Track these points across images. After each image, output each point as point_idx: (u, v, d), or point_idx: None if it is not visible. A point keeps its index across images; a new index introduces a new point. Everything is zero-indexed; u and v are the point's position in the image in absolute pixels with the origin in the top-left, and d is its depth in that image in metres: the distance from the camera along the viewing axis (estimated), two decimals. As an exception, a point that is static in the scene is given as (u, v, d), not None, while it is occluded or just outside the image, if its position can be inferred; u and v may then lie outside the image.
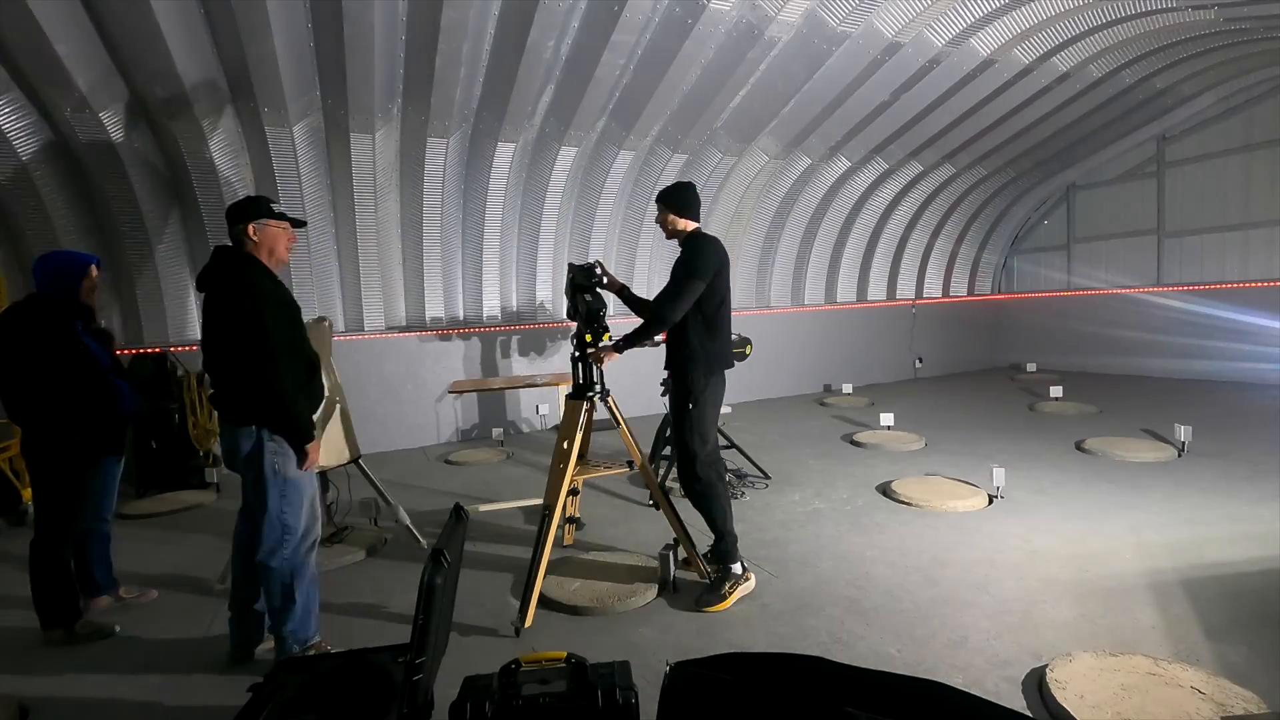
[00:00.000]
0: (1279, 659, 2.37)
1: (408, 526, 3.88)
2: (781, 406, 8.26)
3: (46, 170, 5.27)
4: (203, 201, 5.67)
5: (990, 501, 4.19)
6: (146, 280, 5.86)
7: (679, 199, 3.19)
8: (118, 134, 5.20)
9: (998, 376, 9.91)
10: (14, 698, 2.43)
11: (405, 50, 5.35)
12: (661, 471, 4.63)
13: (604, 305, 3.33)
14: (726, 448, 5.14)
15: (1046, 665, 2.34)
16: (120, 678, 2.61)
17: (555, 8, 5.03)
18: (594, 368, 3.25)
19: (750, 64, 5.98)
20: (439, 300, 6.90)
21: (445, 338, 6.93)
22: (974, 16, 5.92)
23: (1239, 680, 2.22)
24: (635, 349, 3.16)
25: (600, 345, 3.20)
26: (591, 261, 3.53)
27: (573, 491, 3.80)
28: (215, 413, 3.13)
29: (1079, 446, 5.43)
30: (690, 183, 3.33)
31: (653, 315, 3.07)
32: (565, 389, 3.97)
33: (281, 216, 2.60)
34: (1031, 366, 10.01)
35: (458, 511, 1.97)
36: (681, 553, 3.23)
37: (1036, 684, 2.28)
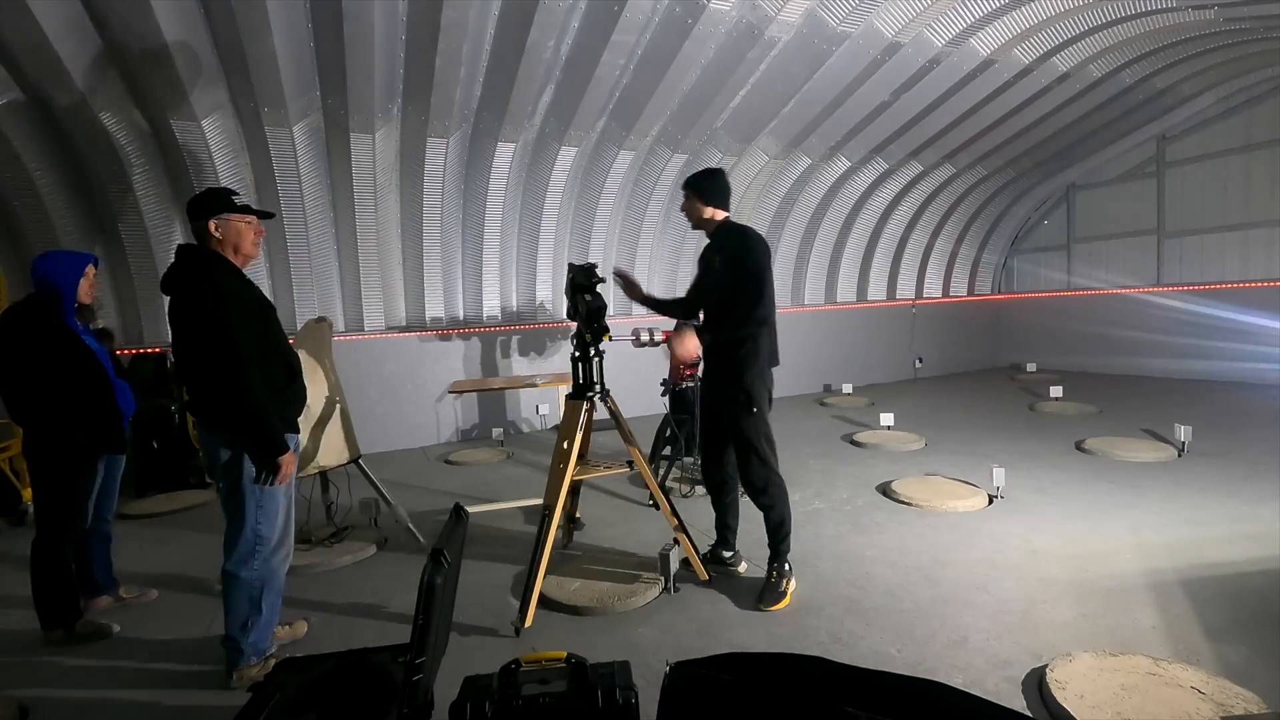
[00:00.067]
0: (1279, 659, 2.37)
1: (408, 526, 3.88)
2: (781, 406, 8.21)
3: (46, 170, 5.27)
4: (203, 201, 5.67)
5: (990, 501, 4.19)
6: (146, 280, 5.86)
7: (709, 186, 3.07)
8: (118, 134, 5.20)
9: (998, 376, 9.91)
10: (14, 698, 2.43)
11: (405, 50, 5.34)
12: (661, 471, 4.63)
13: (604, 305, 3.32)
14: (726, 448, 5.15)
15: (1046, 665, 2.34)
16: (120, 678, 2.61)
17: (555, 8, 5.03)
18: (595, 367, 3.25)
19: (750, 64, 5.98)
20: (439, 300, 6.90)
21: (445, 338, 6.93)
22: (974, 16, 5.92)
23: (1239, 680, 2.22)
24: (641, 349, 3.11)
25: (679, 326, 2.96)
26: (615, 269, 3.48)
27: (573, 491, 3.79)
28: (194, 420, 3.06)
29: (1079, 446, 5.43)
30: (720, 169, 3.23)
31: (747, 320, 2.87)
32: (565, 389, 3.97)
33: (245, 209, 2.45)
34: (1031, 366, 10.00)
35: (458, 511, 1.97)
36: (682, 553, 3.23)
37: (1036, 684, 2.28)
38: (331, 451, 3.66)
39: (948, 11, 5.88)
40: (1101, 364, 9.64)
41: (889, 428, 6.19)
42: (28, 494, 4.58)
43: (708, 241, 3.19)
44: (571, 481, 3.13)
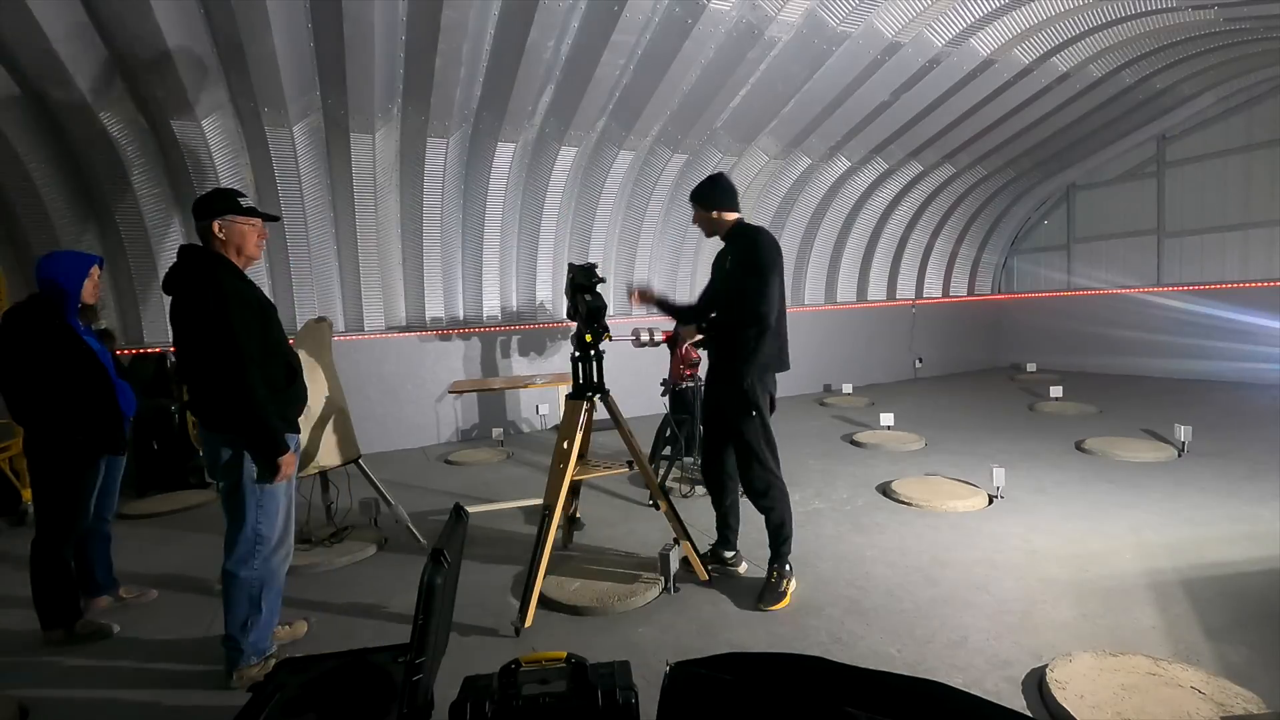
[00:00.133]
0: (1279, 659, 2.37)
1: (408, 526, 3.88)
2: (781, 406, 8.17)
3: (47, 170, 5.27)
4: (203, 201, 5.67)
5: (990, 501, 4.19)
6: (146, 280, 5.86)
7: (711, 193, 3.03)
8: (118, 134, 5.20)
9: (998, 376, 9.91)
10: (14, 698, 2.43)
11: (405, 50, 5.34)
12: (661, 471, 4.63)
13: (604, 305, 3.32)
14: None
15: (1046, 665, 2.34)
16: (120, 678, 2.61)
17: (555, 8, 5.03)
18: (595, 367, 3.25)
19: (750, 64, 5.98)
20: (439, 300, 6.90)
21: (445, 338, 6.93)
22: (974, 16, 5.92)
23: (1239, 680, 2.22)
24: (639, 349, 3.11)
25: (681, 329, 3.05)
26: (633, 282, 3.47)
27: (573, 491, 3.79)
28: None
29: (1079, 446, 5.43)
30: (720, 174, 3.17)
31: (747, 319, 2.87)
32: (565, 389, 3.97)
33: (250, 211, 2.46)
34: (1031, 366, 10.01)
35: (458, 511, 1.97)
36: (682, 553, 3.23)
37: (1036, 684, 2.28)
38: (331, 451, 3.66)
39: (948, 11, 5.88)
40: (1101, 364, 9.64)
41: (889, 428, 6.19)
42: (28, 494, 4.58)
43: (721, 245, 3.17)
44: (571, 481, 3.13)
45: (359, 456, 3.85)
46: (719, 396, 3.09)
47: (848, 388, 8.87)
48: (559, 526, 3.23)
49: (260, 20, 4.67)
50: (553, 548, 2.98)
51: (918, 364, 10.12)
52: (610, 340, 3.27)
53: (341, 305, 6.59)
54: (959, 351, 10.56)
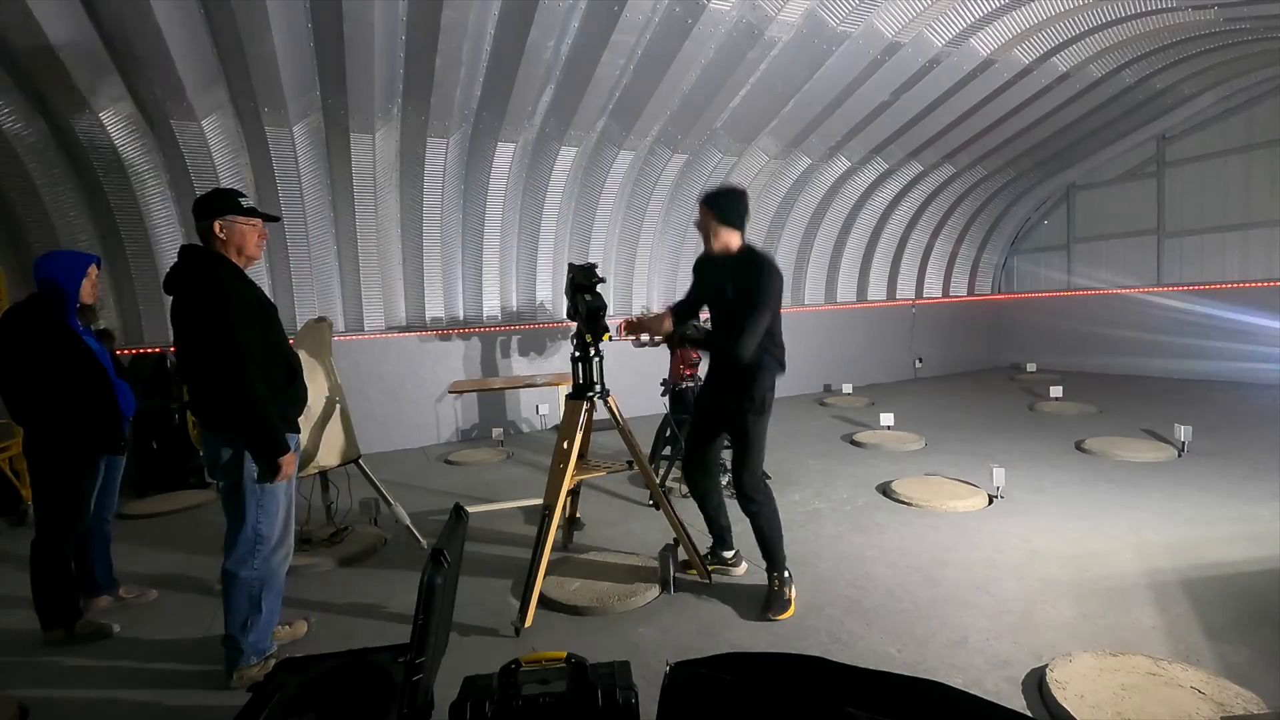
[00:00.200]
0: (1279, 659, 2.37)
1: (408, 526, 3.88)
2: (781, 406, 8.19)
3: (46, 170, 5.27)
4: (203, 201, 5.68)
5: (990, 501, 4.19)
6: (147, 280, 5.86)
7: (727, 207, 2.91)
8: (118, 134, 5.20)
9: (998, 376, 9.91)
10: (14, 698, 2.43)
11: (405, 50, 5.35)
12: (661, 471, 4.63)
13: (604, 305, 3.32)
14: (726, 447, 5.14)
15: (1046, 665, 2.34)
16: (120, 678, 2.61)
17: (555, 8, 5.03)
18: (595, 367, 3.25)
19: (750, 64, 5.98)
20: (439, 300, 6.90)
21: (445, 338, 6.93)
22: (974, 16, 5.92)
23: (1239, 680, 2.22)
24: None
25: (667, 326, 3.00)
26: (645, 310, 3.39)
27: (573, 491, 3.79)
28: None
29: (1079, 446, 5.43)
30: (742, 191, 3.04)
31: (727, 348, 2.86)
32: (565, 389, 3.96)
33: (251, 211, 2.47)
34: (1031, 366, 10.00)
35: (458, 511, 1.97)
36: (682, 553, 3.23)
37: (1036, 684, 2.28)
38: (331, 451, 3.67)
39: (948, 11, 5.88)
40: (1101, 364, 9.63)
41: (889, 428, 6.19)
42: (28, 494, 4.58)
43: (706, 252, 3.05)
44: (572, 482, 3.13)
45: (359, 456, 3.85)
46: (722, 400, 3.02)
47: (848, 388, 8.87)
48: (559, 526, 3.23)
49: (260, 20, 4.67)
50: (553, 548, 2.98)
51: (918, 364, 10.12)
52: (610, 340, 3.27)
53: (341, 305, 6.59)
54: (959, 351, 10.56)
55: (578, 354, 3.26)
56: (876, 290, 9.77)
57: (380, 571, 3.56)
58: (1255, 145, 8.18)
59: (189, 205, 6.14)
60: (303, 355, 3.47)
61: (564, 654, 1.78)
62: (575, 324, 3.32)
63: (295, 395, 2.57)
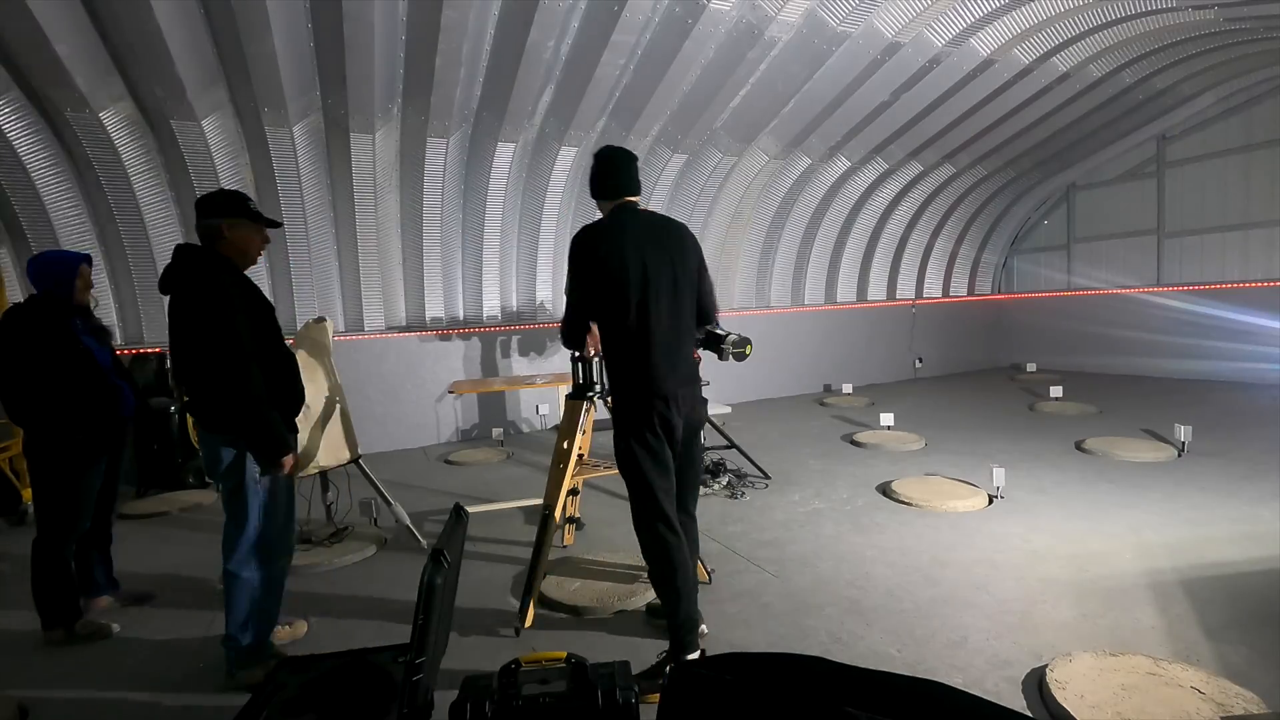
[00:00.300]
0: (1279, 659, 2.37)
1: (408, 526, 3.88)
2: (781, 406, 8.26)
3: (46, 170, 5.27)
4: (203, 201, 5.68)
5: (990, 501, 4.19)
6: (145, 280, 5.86)
7: (592, 180, 2.48)
8: (118, 134, 5.20)
9: (998, 376, 9.91)
10: (14, 698, 2.43)
11: (405, 50, 5.34)
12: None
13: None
14: (727, 447, 5.15)
15: (1046, 665, 2.34)
16: (120, 678, 2.60)
17: (555, 8, 5.03)
18: (595, 367, 3.24)
19: (750, 64, 5.98)
20: (439, 300, 6.90)
21: (445, 338, 6.93)
22: (974, 16, 5.92)
23: (1239, 680, 2.22)
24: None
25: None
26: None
27: (573, 491, 3.79)
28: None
29: (1079, 446, 5.43)
30: (608, 154, 2.47)
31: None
32: (565, 389, 3.96)
33: (258, 217, 2.49)
34: (1031, 366, 10.01)
35: (458, 511, 1.97)
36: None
37: (1036, 684, 2.28)
38: (331, 451, 3.66)
39: (948, 11, 5.88)
40: (1101, 364, 9.63)
41: (889, 428, 6.19)
42: (28, 494, 4.58)
43: None
44: (571, 482, 3.12)
45: (359, 456, 3.85)
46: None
47: (848, 388, 8.87)
48: (559, 526, 3.23)
49: (260, 20, 4.67)
50: (553, 548, 2.98)
51: (918, 364, 10.12)
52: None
53: (341, 305, 6.59)
54: (959, 351, 10.56)
55: (578, 354, 3.26)
56: (876, 290, 9.77)
57: (380, 572, 3.56)
58: (1255, 145, 8.18)
59: (189, 205, 6.14)
60: (302, 355, 3.47)
61: (564, 654, 1.79)
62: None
63: (294, 395, 2.57)
